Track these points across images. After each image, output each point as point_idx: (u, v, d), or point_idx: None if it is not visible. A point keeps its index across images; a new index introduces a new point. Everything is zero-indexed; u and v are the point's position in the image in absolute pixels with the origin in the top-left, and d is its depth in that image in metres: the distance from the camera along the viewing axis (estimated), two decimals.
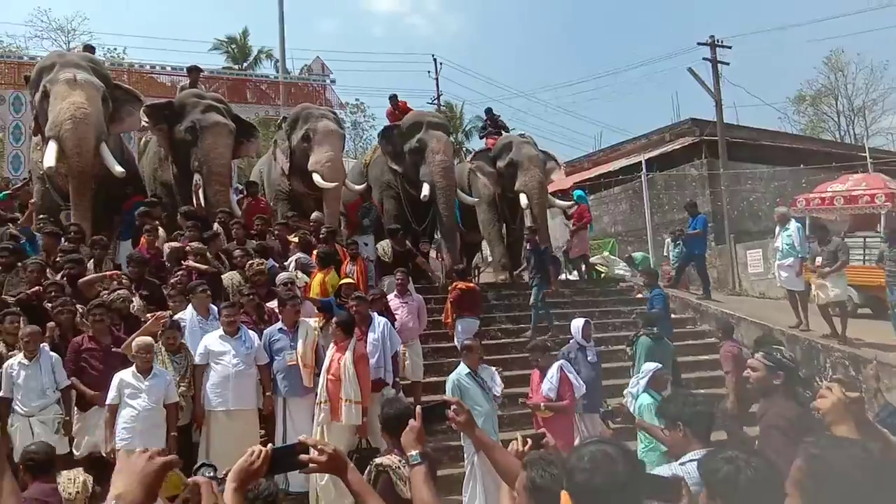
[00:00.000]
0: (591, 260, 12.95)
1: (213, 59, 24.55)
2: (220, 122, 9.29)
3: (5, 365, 5.22)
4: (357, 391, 5.38)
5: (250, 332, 6.07)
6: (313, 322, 6.24)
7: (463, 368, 5.59)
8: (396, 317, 7.17)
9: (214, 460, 5.37)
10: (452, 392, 5.43)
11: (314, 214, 9.57)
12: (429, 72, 27.36)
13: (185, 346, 5.89)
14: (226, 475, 2.59)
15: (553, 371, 5.77)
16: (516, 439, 2.28)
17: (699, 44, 16.58)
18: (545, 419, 5.69)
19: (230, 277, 7.29)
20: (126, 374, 5.21)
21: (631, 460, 1.46)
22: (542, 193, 11.15)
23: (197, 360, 5.80)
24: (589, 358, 6.46)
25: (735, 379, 6.19)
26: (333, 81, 18.87)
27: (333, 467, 1.80)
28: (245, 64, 25.76)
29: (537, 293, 9.20)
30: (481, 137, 13.97)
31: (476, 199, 11.31)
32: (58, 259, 6.98)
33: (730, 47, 16.61)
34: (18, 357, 5.24)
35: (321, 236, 8.54)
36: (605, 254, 13.69)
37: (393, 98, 12.61)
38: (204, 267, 7.14)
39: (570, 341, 6.68)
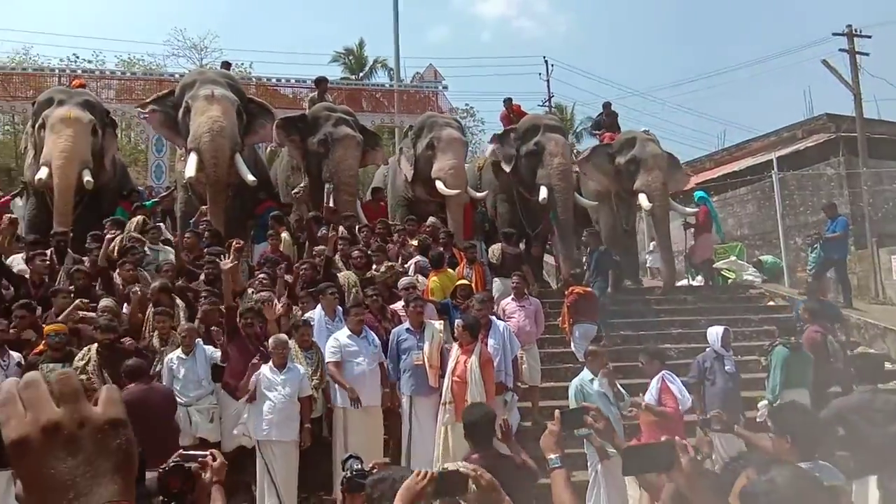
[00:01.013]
0: (718, 265, 12.34)
1: (331, 71, 25.63)
2: (349, 135, 9.86)
3: (166, 359, 5.74)
4: (483, 394, 5.45)
5: (370, 331, 6.30)
6: (438, 324, 6.38)
7: (586, 374, 5.51)
8: (513, 320, 7.18)
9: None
10: (575, 398, 5.37)
11: (430, 219, 9.81)
12: (539, 74, 27.24)
13: (315, 343, 6.20)
14: (373, 467, 2.70)
15: (654, 381, 5.52)
16: None
17: (834, 34, 15.41)
18: (647, 426, 5.45)
19: (346, 277, 7.58)
20: (265, 369, 5.57)
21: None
22: (664, 195, 10.73)
23: (328, 357, 6.02)
24: (727, 368, 6.15)
25: None
26: (446, 87, 19.19)
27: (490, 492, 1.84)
28: (361, 74, 26.73)
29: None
30: (593, 134, 13.56)
31: (595, 203, 11.07)
32: (199, 259, 7.61)
33: (869, 37, 15.31)
34: (177, 352, 5.75)
35: (441, 240, 8.72)
36: (733, 258, 12.98)
37: (507, 101, 12.57)
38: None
39: (707, 349, 6.40)
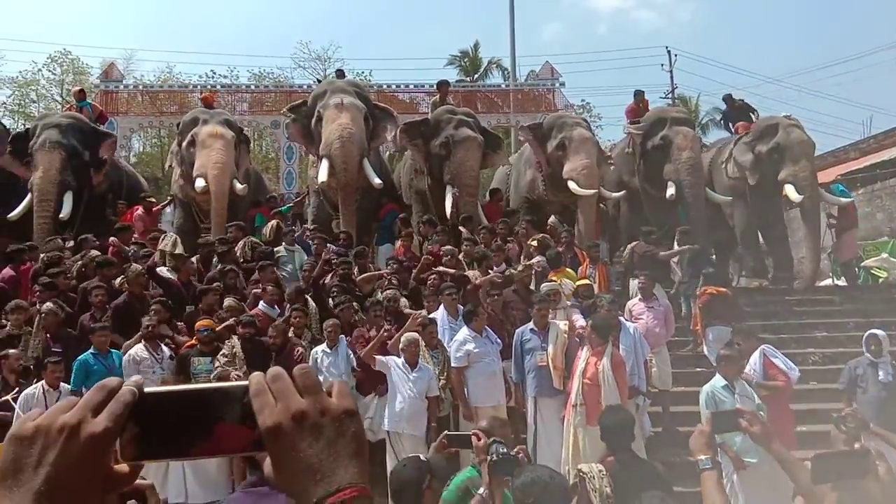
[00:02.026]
0: (867, 263, 11.28)
1: (447, 74, 26.02)
2: (470, 137, 9.96)
3: (312, 352, 6.08)
4: (618, 397, 5.30)
5: (490, 330, 6.31)
6: (563, 325, 6.28)
7: (719, 380, 5.20)
8: (641, 322, 6.93)
9: None
10: (706, 404, 5.10)
11: (551, 219, 9.68)
12: (662, 65, 26.23)
13: (441, 342, 6.30)
14: (517, 452, 2.71)
15: (755, 358, 5.32)
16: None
17: None
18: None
19: (474, 276, 7.63)
20: (397, 362, 5.72)
21: None
22: (814, 185, 9.85)
23: (455, 363, 6.06)
24: (881, 377, 5.62)
25: None
26: (563, 84, 18.89)
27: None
28: (476, 76, 26.92)
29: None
30: (723, 123, 12.67)
31: (729, 199, 10.42)
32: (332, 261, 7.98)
33: None
34: (322, 346, 6.06)
35: (563, 239, 8.58)
36: (884, 255, 11.82)
37: (638, 94, 12.06)
38: (451, 270, 7.58)
39: (862, 356, 5.88)
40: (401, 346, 5.80)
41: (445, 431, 3.39)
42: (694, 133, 10.61)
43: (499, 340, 6.20)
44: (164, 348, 6.13)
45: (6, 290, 7.02)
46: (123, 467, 0.64)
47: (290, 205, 11.63)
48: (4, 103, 25.49)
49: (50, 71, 26.82)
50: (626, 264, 8.61)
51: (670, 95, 25.43)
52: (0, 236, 8.75)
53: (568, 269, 7.80)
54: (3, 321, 6.42)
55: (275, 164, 22.81)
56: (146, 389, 0.65)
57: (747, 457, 4.77)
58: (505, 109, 19.42)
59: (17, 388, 5.47)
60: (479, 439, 2.65)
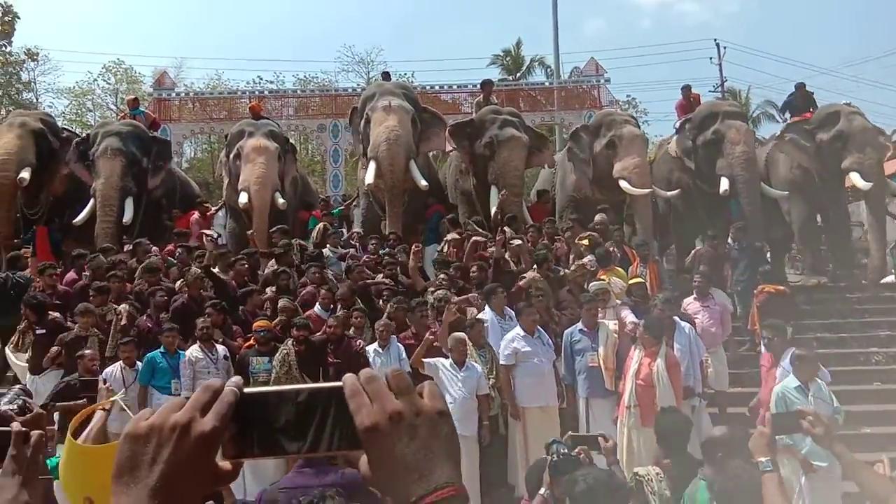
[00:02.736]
0: None
1: (490, 73, 25.94)
2: (514, 136, 9.93)
3: (367, 350, 6.15)
4: (673, 398, 5.20)
5: (543, 330, 6.27)
6: (612, 325, 6.20)
7: (791, 381, 5.04)
8: (696, 321, 6.79)
9: (533, 455, 5.68)
10: (776, 405, 4.95)
11: (597, 217, 9.54)
12: (710, 58, 25.64)
13: (488, 342, 6.28)
14: (578, 453, 2.69)
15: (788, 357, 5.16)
16: (881, 461, 2.12)
17: None
18: None
19: (531, 278, 7.58)
20: (445, 363, 5.73)
21: None
22: (881, 173, 9.46)
23: (503, 360, 6.06)
24: None
25: None
26: (608, 80, 18.63)
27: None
28: (518, 74, 26.79)
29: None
30: (787, 113, 12.13)
31: (784, 193, 10.09)
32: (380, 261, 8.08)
33: None
34: (374, 346, 6.13)
35: (614, 238, 8.47)
36: None
37: (686, 88, 11.76)
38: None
39: None
40: (448, 345, 5.81)
41: (570, 432, 3.39)
42: (748, 127, 10.33)
43: (550, 342, 6.14)
44: (219, 349, 6.30)
45: (70, 293, 7.30)
46: (226, 464, 0.66)
47: (341, 207, 11.81)
48: (63, 113, 26.50)
49: (105, 80, 27.84)
50: (692, 266, 8.29)
51: (720, 89, 24.83)
52: (67, 240, 9.11)
53: (618, 269, 7.69)
54: (70, 324, 6.68)
55: (320, 166, 23.18)
56: (245, 390, 0.66)
57: (817, 460, 4.60)
58: (549, 107, 19.26)
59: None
60: (606, 440, 2.65)
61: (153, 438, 0.62)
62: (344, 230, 10.10)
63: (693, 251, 8.43)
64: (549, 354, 6.10)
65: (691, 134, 10.14)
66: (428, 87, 20.02)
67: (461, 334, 5.89)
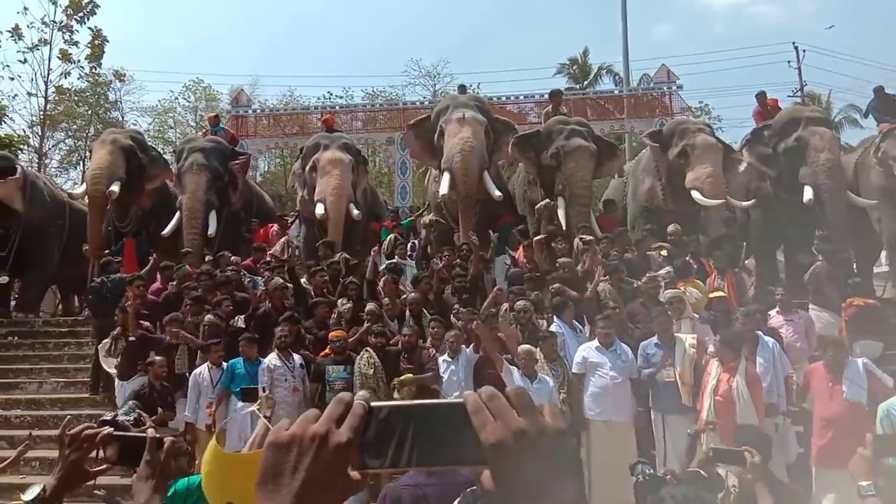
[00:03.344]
0: None
1: (557, 83, 25.78)
2: (581, 147, 9.81)
3: (438, 359, 6.24)
4: (755, 415, 5.00)
5: (623, 344, 6.17)
6: (690, 339, 6.01)
7: None
8: (780, 336, 6.51)
9: (594, 468, 5.57)
10: (880, 424, 4.67)
11: (671, 227, 9.30)
12: (788, 62, 24.66)
13: (560, 356, 6.22)
14: (665, 473, 2.62)
15: (860, 369, 5.01)
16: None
17: None
18: None
19: (603, 290, 7.47)
20: (517, 374, 5.69)
21: None
22: None
23: (575, 369, 6.07)
24: None
25: None
26: (680, 87, 18.18)
27: None
28: (585, 83, 26.53)
29: None
30: (865, 118, 11.48)
31: (873, 202, 9.55)
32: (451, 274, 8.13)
33: None
34: (444, 355, 6.19)
35: (690, 249, 8.25)
36: None
37: (760, 95, 11.41)
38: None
39: None
40: (518, 357, 5.78)
41: (712, 445, 3.33)
42: (832, 133, 9.84)
43: (628, 355, 6.02)
44: (296, 357, 6.50)
45: (159, 302, 7.68)
46: (355, 474, 0.68)
47: (412, 218, 12.00)
48: (147, 130, 27.97)
49: (185, 99, 29.26)
50: (810, 284, 7.82)
51: (799, 93, 23.83)
52: (156, 251, 9.61)
53: (697, 281, 7.48)
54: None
55: (387, 178, 23.55)
56: (372, 403, 0.69)
57: None
58: (617, 115, 18.95)
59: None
60: (752, 455, 2.60)
61: (294, 447, 0.66)
62: (416, 241, 10.23)
63: (811, 269, 7.80)
64: (625, 369, 5.98)
65: (772, 141, 9.76)
66: (494, 98, 20.06)
67: (531, 347, 5.85)
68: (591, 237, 8.31)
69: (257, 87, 29.21)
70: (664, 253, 7.82)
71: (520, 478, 0.64)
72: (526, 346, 5.87)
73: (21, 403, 8.47)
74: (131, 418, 1.53)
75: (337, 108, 21.35)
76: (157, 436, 1.32)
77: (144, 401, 5.52)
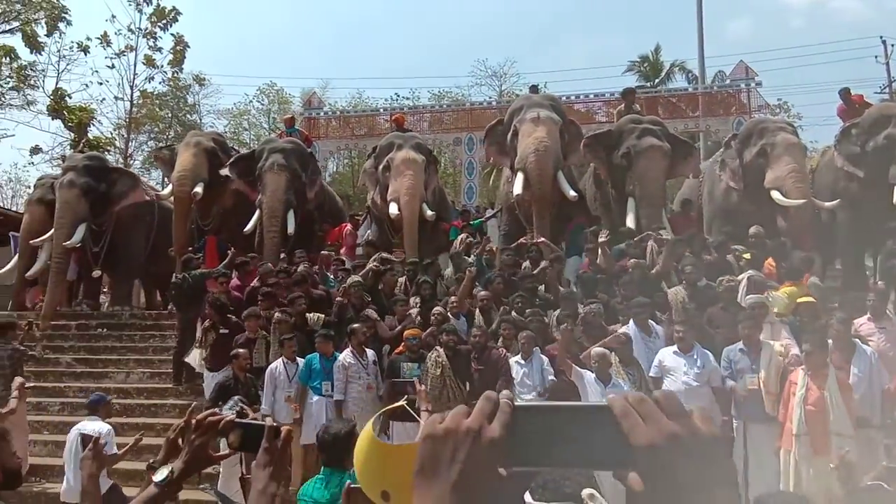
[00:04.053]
0: None
1: (626, 81, 25.27)
2: (654, 146, 9.60)
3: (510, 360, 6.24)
4: (849, 425, 4.78)
5: (704, 349, 5.99)
6: (778, 345, 5.79)
7: None
8: (871, 345, 6.17)
9: None
10: None
11: (753, 229, 8.95)
12: (875, 56, 23.40)
13: (636, 360, 6.10)
14: None
15: None
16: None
17: None
18: None
19: (675, 293, 7.29)
20: (591, 378, 5.62)
21: None
22: None
23: (651, 373, 5.97)
24: None
25: None
26: (759, 84, 17.48)
27: None
28: (657, 80, 25.91)
29: None
30: None
31: None
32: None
33: None
34: (517, 357, 6.18)
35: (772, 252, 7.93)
36: None
37: (844, 92, 10.86)
38: None
39: None
40: (592, 361, 5.70)
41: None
42: None
43: (711, 362, 5.85)
44: (369, 354, 6.64)
45: (241, 298, 7.98)
46: (502, 470, 0.69)
47: (480, 219, 12.01)
48: (223, 133, 29.09)
49: (259, 102, 30.22)
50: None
51: (887, 90, 22.56)
52: (235, 248, 9.99)
53: (793, 285, 7.12)
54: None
55: (453, 178, 23.65)
56: (515, 403, 0.71)
57: None
58: (689, 114, 18.38)
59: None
60: None
61: (450, 440, 0.68)
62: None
63: None
64: (702, 375, 5.81)
65: (859, 140, 9.27)
66: (563, 98, 19.82)
67: (604, 350, 5.76)
68: (667, 237, 8.11)
69: (327, 89, 29.92)
70: (747, 256, 7.53)
71: (671, 481, 0.63)
72: (600, 350, 5.78)
73: (110, 392, 8.93)
74: (234, 413, 1.59)
75: (405, 109, 21.57)
76: (276, 424, 1.38)
77: (229, 392, 5.75)
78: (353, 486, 2.66)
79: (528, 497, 3.26)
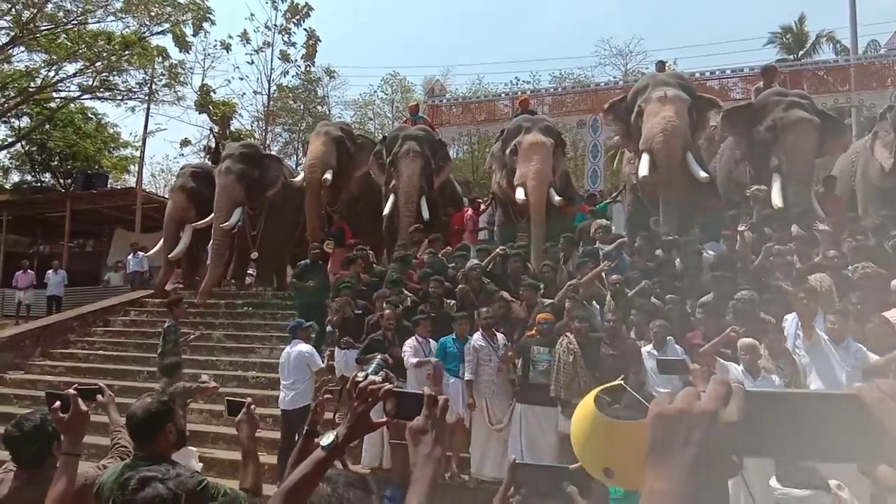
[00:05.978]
0: None
1: (766, 54, 23.63)
2: (803, 119, 8.90)
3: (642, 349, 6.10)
4: None
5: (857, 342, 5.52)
6: None
7: None
8: None
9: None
10: None
11: None
12: None
13: (787, 350, 5.72)
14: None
15: None
16: None
17: None
18: None
19: (820, 280, 6.76)
20: (737, 370, 5.34)
21: None
22: None
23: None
24: None
25: None
26: None
27: None
28: (801, 53, 23.90)
29: None
30: None
31: None
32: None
33: None
34: (649, 346, 6.05)
35: None
36: None
37: None
38: None
39: None
40: (740, 352, 5.41)
41: None
42: None
43: (866, 354, 5.40)
44: (499, 337, 6.70)
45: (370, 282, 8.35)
46: (735, 457, 0.68)
47: (607, 201, 11.70)
48: (350, 123, 30.23)
49: (383, 91, 31.10)
50: None
51: None
52: (361, 233, 10.42)
53: None
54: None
55: (573, 162, 23.15)
56: (748, 389, 0.68)
57: None
58: (840, 88, 16.81)
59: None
60: None
61: (683, 421, 0.67)
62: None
63: None
64: (857, 367, 5.36)
65: None
66: (696, 74, 18.77)
67: (754, 341, 5.44)
68: (825, 227, 7.47)
69: (448, 76, 30.23)
70: None
71: None
72: (748, 340, 5.47)
73: (256, 366, 9.66)
74: (378, 378, 1.65)
75: (526, 92, 21.35)
76: (432, 393, 1.43)
77: (374, 347, 6.18)
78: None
79: (773, 482, 3.15)
